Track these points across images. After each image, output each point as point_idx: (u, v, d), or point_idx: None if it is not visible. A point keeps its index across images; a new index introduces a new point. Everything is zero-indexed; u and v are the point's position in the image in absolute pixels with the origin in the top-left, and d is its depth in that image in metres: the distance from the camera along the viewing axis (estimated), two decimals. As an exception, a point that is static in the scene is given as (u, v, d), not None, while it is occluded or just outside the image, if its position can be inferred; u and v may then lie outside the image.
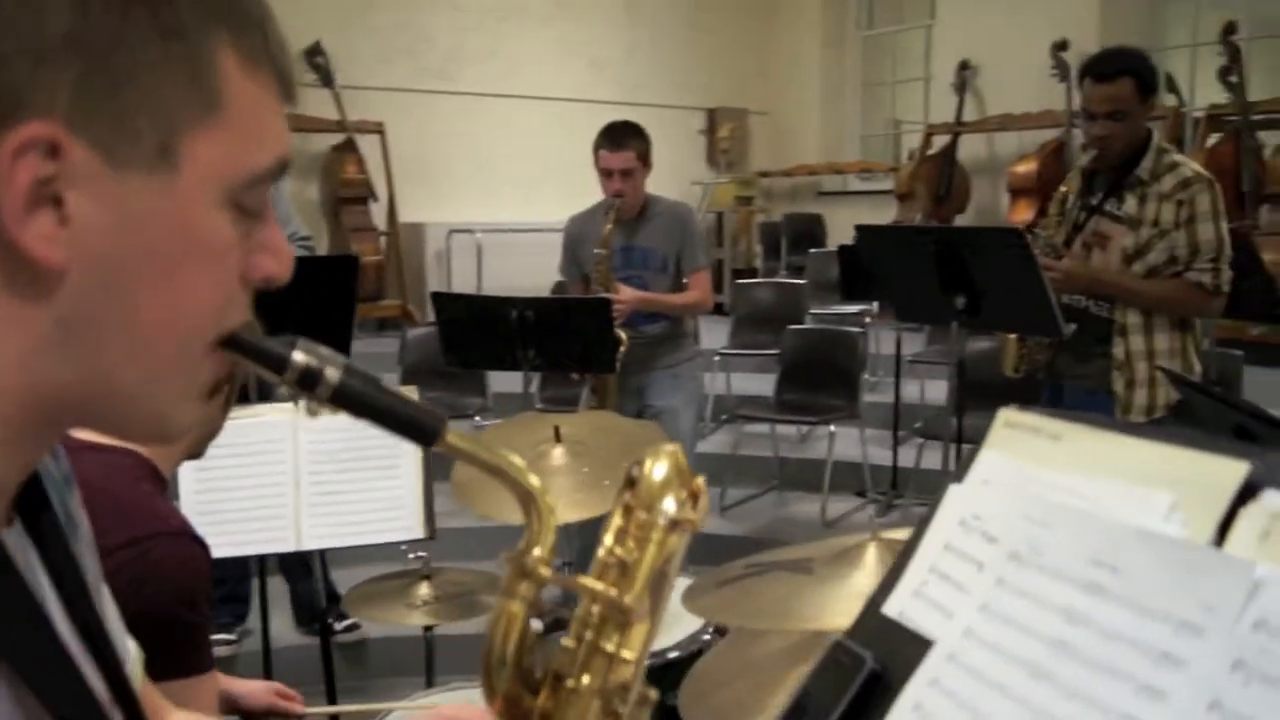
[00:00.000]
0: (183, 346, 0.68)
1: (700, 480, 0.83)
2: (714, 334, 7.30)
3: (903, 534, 1.67)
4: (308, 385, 0.72)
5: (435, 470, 2.92)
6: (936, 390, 6.51)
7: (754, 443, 6.26)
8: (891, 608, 1.11)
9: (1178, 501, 0.93)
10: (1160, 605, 0.86)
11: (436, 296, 4.15)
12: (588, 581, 0.78)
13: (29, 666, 0.64)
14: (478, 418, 5.87)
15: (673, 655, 2.54)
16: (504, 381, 5.75)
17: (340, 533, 2.79)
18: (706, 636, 2.61)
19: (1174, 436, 0.98)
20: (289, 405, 2.78)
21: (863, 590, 1.77)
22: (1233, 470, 0.91)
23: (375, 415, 0.73)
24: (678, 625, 2.61)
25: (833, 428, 5.83)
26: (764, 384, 6.52)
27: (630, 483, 0.82)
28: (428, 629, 3.13)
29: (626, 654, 0.78)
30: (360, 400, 0.72)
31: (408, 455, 2.85)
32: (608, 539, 0.81)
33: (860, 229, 4.29)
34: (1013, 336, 3.90)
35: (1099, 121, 3.58)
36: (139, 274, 0.65)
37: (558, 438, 2.83)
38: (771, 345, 6.61)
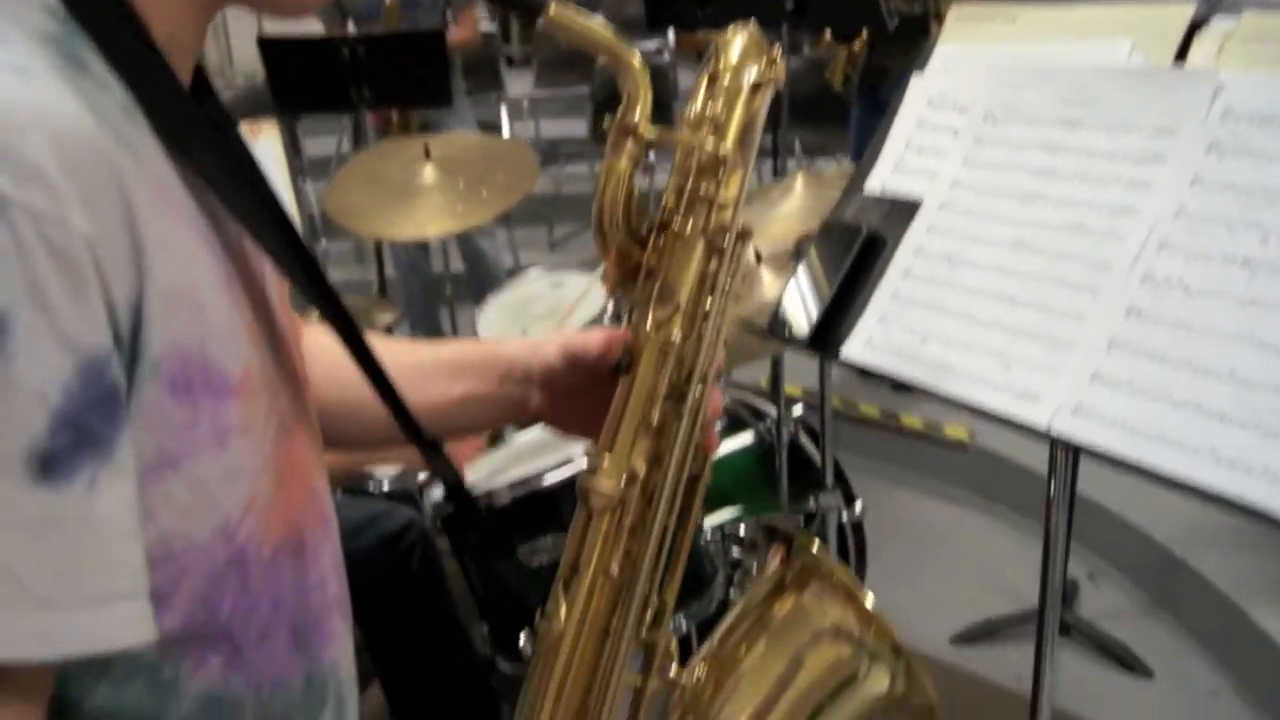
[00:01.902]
0: None
1: (777, 47, 0.90)
2: (519, 82, 7.21)
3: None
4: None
5: None
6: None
7: (575, 182, 6.34)
8: (873, 184, 1.25)
9: (1135, 44, 1.08)
10: (1135, 119, 1.03)
11: (263, 43, 3.95)
12: (686, 135, 0.86)
13: (254, 221, 0.70)
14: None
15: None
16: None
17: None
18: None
19: (1120, -1, 1.13)
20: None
21: (793, 210, 1.96)
22: (1181, 10, 1.06)
23: None
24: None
25: (652, 156, 5.94)
26: (577, 126, 6.53)
27: (711, 58, 0.89)
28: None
29: (724, 198, 0.85)
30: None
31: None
32: (696, 105, 0.88)
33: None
34: (843, 50, 4.07)
35: None
36: None
37: (427, 155, 2.85)
38: (578, 84, 6.58)
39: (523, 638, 2.00)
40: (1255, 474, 0.80)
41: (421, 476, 2.28)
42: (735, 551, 2.09)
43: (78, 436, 0.54)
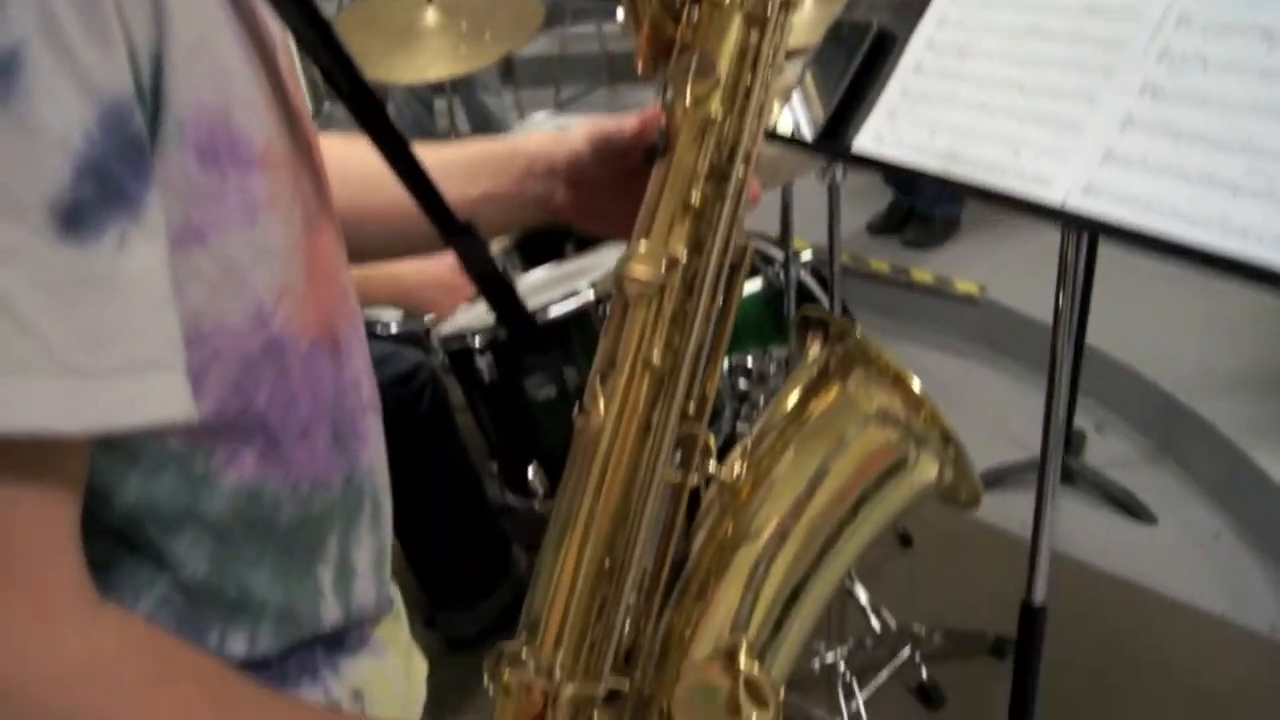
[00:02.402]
0: None
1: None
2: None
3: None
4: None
5: None
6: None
7: (581, 42, 6.23)
8: (885, -19, 1.21)
9: None
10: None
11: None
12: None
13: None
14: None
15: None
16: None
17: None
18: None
19: None
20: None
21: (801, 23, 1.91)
22: None
23: None
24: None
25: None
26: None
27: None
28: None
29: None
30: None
31: None
32: None
33: None
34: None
35: None
36: None
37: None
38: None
39: (531, 471, 2.03)
40: (1266, 241, 0.79)
41: (429, 318, 2.28)
42: (743, 384, 2.10)
43: (104, 188, 0.51)
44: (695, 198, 0.75)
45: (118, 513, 0.62)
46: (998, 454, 2.84)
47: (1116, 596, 2.49)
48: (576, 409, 0.78)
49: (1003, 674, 1.42)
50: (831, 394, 0.90)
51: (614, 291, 0.75)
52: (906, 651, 2.23)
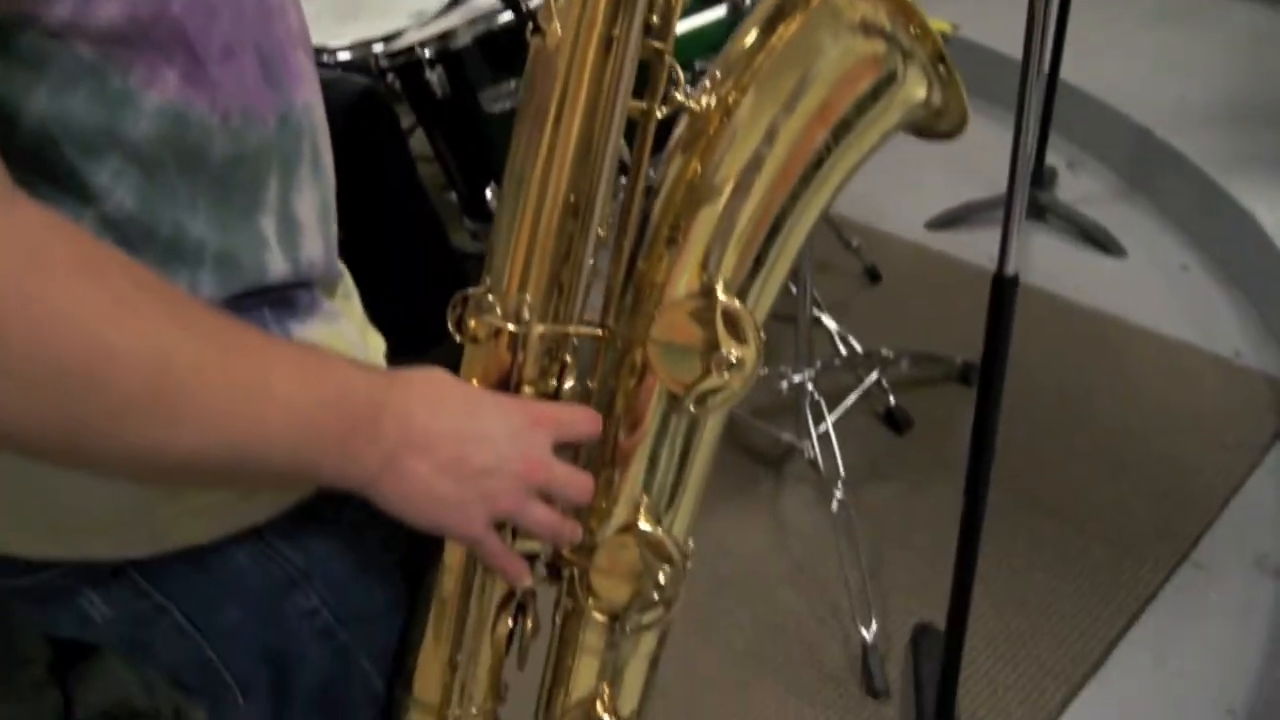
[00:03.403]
0: None
1: None
2: None
3: None
4: None
5: None
6: None
7: None
8: None
9: None
10: None
11: None
12: None
13: None
14: None
15: None
16: None
17: None
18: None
19: None
20: None
21: None
22: None
23: None
24: None
25: None
26: None
27: None
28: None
29: None
30: None
31: None
32: None
33: None
34: None
35: None
36: None
37: None
38: None
39: (489, 193, 1.95)
40: None
41: (379, 48, 2.15)
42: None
43: None
44: None
45: (28, 132, 0.56)
46: (968, 192, 2.79)
47: (1084, 327, 2.49)
48: (530, 29, 0.71)
49: (970, 400, 1.40)
50: (809, 7, 0.81)
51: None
52: (875, 375, 2.22)
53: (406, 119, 2.24)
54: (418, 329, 2.42)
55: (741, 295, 0.74)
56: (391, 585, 0.81)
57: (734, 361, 0.73)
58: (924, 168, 3.03)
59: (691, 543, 0.81)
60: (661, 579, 0.77)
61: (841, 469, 1.99)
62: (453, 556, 0.77)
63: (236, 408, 0.59)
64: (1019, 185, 1.26)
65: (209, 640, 0.75)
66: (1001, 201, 1.28)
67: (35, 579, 0.72)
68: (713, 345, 0.73)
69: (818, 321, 2.28)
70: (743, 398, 0.75)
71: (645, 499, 0.77)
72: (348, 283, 0.84)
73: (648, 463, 0.77)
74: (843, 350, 2.28)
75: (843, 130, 0.76)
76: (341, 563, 0.77)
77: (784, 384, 2.05)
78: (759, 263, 0.75)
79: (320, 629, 0.77)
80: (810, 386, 2.04)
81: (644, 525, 0.77)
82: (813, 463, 2.03)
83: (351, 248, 2.34)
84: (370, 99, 2.08)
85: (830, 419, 2.06)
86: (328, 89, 1.97)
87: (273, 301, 0.70)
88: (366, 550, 0.78)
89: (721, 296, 0.73)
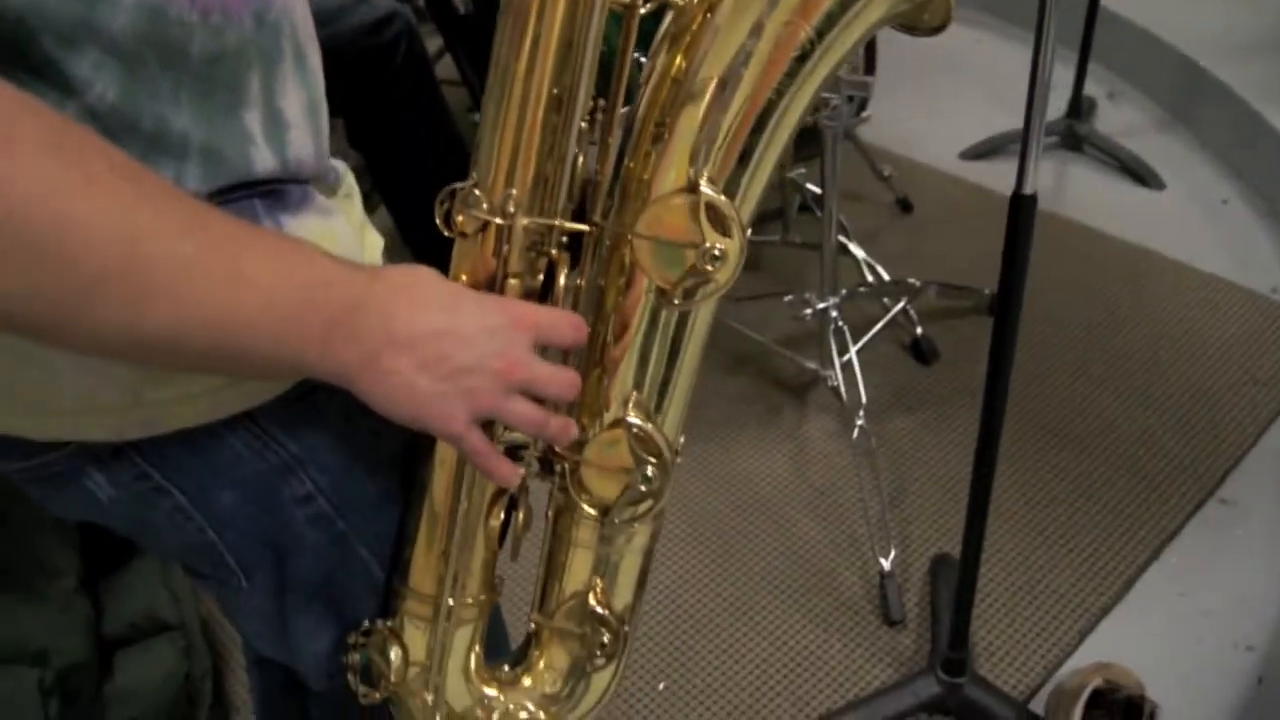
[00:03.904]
0: None
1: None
2: None
3: None
4: None
5: None
6: None
7: None
8: None
9: None
10: None
11: None
12: None
13: None
14: None
15: None
16: None
17: None
18: None
19: None
20: None
21: None
22: None
23: None
24: None
25: None
26: None
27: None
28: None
29: None
30: None
31: None
32: None
33: None
34: None
35: None
36: None
37: None
38: None
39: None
40: None
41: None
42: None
43: None
44: None
45: (6, 22, 0.57)
46: (1003, 123, 2.74)
47: (1119, 258, 2.45)
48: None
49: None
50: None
51: None
52: (901, 304, 2.21)
53: (434, 43, 2.23)
54: (440, 250, 2.43)
55: (728, 191, 0.74)
56: (385, 476, 0.82)
57: (717, 254, 0.72)
58: (959, 98, 3.00)
59: (682, 439, 0.81)
60: (650, 472, 0.78)
61: (864, 398, 1.98)
62: (444, 451, 0.78)
63: (210, 291, 0.59)
64: (1038, 102, 1.24)
65: (209, 523, 0.77)
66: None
67: (41, 460, 0.74)
68: (697, 239, 0.73)
69: (845, 250, 2.26)
70: (727, 291, 0.75)
71: (635, 395, 0.78)
72: (349, 184, 0.84)
73: (638, 359, 0.77)
74: (870, 279, 2.26)
75: (827, 25, 0.75)
76: (335, 452, 0.78)
77: (808, 311, 2.03)
78: (745, 158, 0.75)
79: (315, 515, 0.79)
80: (835, 314, 2.03)
81: (634, 419, 0.77)
82: (836, 391, 2.02)
83: (376, 168, 2.35)
84: (395, 24, 2.07)
85: (854, 348, 2.05)
86: (350, 11, 1.96)
87: (263, 194, 0.71)
88: (359, 441, 0.79)
89: (706, 190, 0.72)
